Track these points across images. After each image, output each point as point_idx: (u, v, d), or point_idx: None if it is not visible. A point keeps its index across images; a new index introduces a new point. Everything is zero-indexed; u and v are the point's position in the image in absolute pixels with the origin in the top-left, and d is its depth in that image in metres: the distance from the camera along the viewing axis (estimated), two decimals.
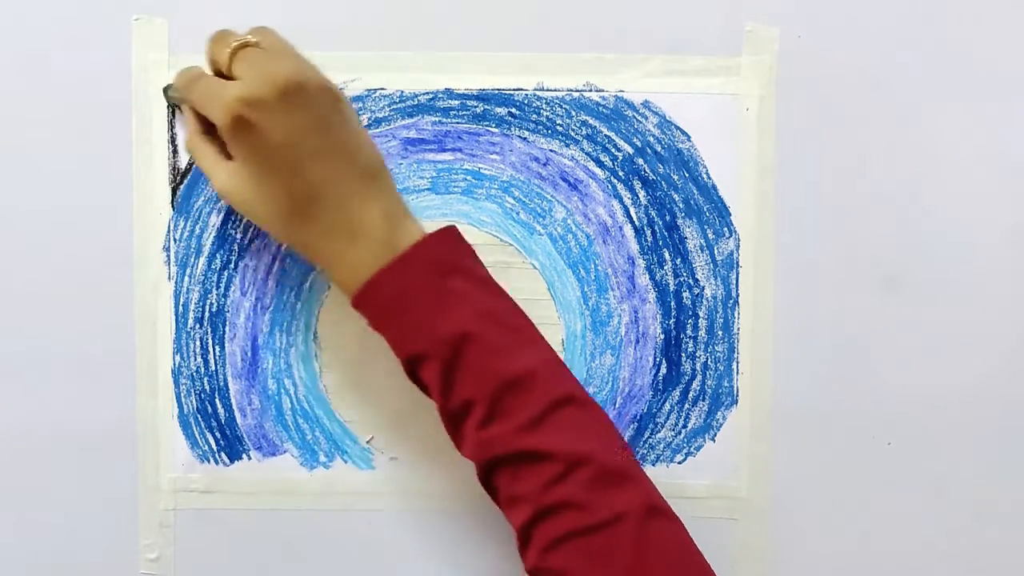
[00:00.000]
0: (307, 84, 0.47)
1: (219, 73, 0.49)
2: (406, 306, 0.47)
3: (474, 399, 0.46)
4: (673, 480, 0.55)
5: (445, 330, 0.46)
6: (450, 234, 0.48)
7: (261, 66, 0.47)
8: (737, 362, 0.54)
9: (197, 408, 0.55)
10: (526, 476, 0.46)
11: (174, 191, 0.54)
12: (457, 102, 0.54)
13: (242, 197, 0.48)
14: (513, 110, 0.54)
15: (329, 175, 0.47)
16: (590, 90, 0.54)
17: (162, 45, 0.54)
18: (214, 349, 0.55)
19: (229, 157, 0.49)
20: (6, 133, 0.54)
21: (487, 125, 0.54)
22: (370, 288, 0.47)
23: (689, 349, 0.55)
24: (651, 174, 0.54)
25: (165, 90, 0.53)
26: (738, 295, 0.54)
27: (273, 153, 0.46)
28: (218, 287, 0.54)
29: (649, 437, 0.55)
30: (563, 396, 0.47)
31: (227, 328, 0.55)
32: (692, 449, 0.55)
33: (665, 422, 0.55)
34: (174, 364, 0.55)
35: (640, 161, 0.54)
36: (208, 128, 0.50)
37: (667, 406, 0.55)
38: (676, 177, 0.54)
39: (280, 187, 0.47)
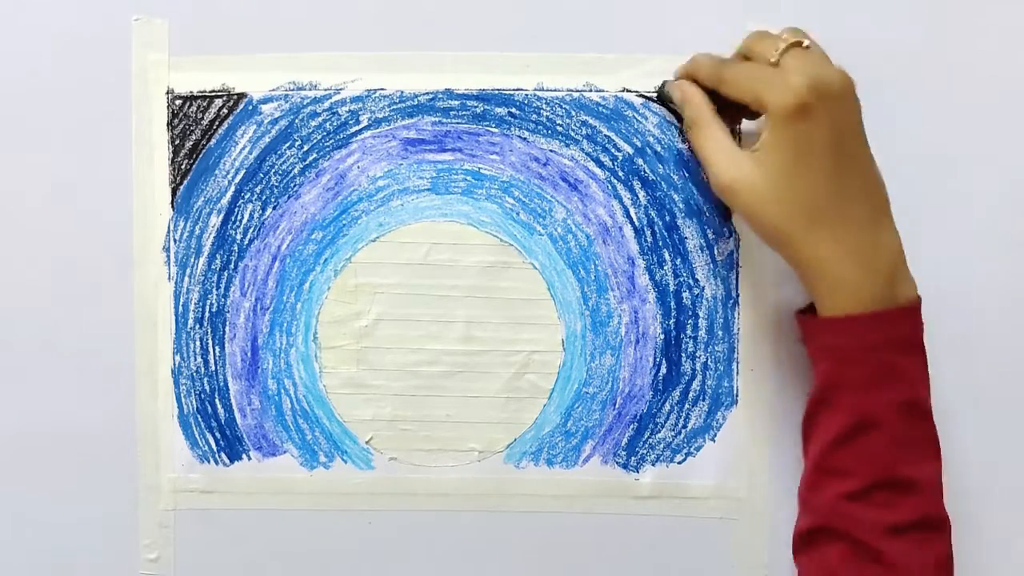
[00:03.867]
0: (854, 91, 0.46)
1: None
2: (872, 356, 0.46)
3: (855, 473, 0.46)
4: (673, 480, 0.55)
5: (883, 399, 0.46)
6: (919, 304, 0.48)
7: (822, 62, 0.46)
8: (737, 362, 0.54)
9: (197, 408, 0.55)
10: (855, 560, 0.46)
11: (174, 191, 0.54)
12: (457, 102, 0.54)
13: (758, 189, 0.46)
14: (513, 110, 0.54)
15: (857, 187, 0.46)
16: (590, 90, 0.54)
17: (162, 45, 0.54)
18: (214, 349, 0.55)
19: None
20: (6, 133, 0.54)
21: (487, 125, 0.54)
22: (857, 323, 0.46)
23: (689, 349, 0.55)
24: (651, 174, 0.54)
25: (661, 86, 0.52)
26: (738, 295, 0.54)
27: (818, 149, 0.45)
28: (218, 287, 0.55)
29: (649, 437, 0.55)
30: (939, 518, 0.47)
31: (227, 328, 0.55)
32: (692, 449, 0.55)
33: (665, 422, 0.55)
34: (174, 364, 0.55)
35: (640, 161, 0.54)
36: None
37: (667, 406, 0.55)
38: (676, 177, 0.54)
39: (809, 187, 0.46)
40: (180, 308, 0.54)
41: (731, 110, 0.50)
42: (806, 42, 0.47)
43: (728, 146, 0.48)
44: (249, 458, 0.55)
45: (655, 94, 0.53)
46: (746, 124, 0.52)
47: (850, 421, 0.46)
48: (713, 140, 0.49)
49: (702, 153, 0.49)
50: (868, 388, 0.46)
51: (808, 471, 0.49)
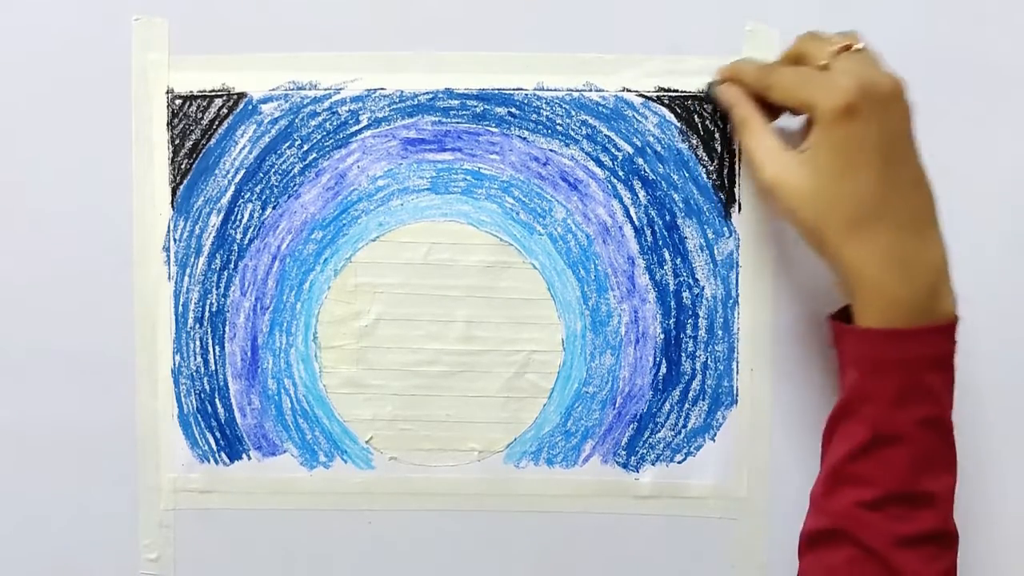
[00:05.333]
0: (908, 97, 0.46)
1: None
2: (903, 372, 0.45)
3: (874, 483, 0.46)
4: (673, 480, 0.55)
5: (908, 415, 0.45)
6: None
7: (875, 65, 0.46)
8: (737, 362, 0.54)
9: (197, 408, 0.55)
10: (862, 565, 0.46)
11: (174, 191, 0.54)
12: (457, 102, 0.54)
13: (802, 190, 0.46)
14: (513, 110, 0.54)
15: (904, 193, 0.46)
16: (590, 90, 0.54)
17: (162, 45, 0.54)
18: (214, 349, 0.55)
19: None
20: (6, 133, 0.54)
21: (487, 125, 0.54)
22: (893, 338, 0.45)
23: (689, 349, 0.55)
24: (651, 174, 0.54)
25: (710, 85, 0.52)
26: (738, 295, 0.54)
27: (867, 151, 0.45)
28: (218, 287, 0.55)
29: (649, 437, 0.55)
30: (949, 532, 0.47)
31: (227, 328, 0.55)
32: (692, 449, 0.55)
33: (665, 422, 0.55)
34: (174, 364, 0.55)
35: (640, 161, 0.54)
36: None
37: (667, 406, 0.55)
38: (676, 177, 0.54)
39: (854, 189, 0.45)
40: (180, 308, 0.54)
41: (771, 113, 0.50)
42: (858, 44, 0.47)
43: (776, 146, 0.48)
44: (249, 458, 0.55)
45: (654, 95, 0.53)
46: (785, 122, 0.51)
47: (873, 433, 0.46)
48: (762, 139, 0.49)
49: (750, 153, 0.49)
50: (896, 404, 0.46)
51: (824, 475, 0.49)
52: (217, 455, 0.55)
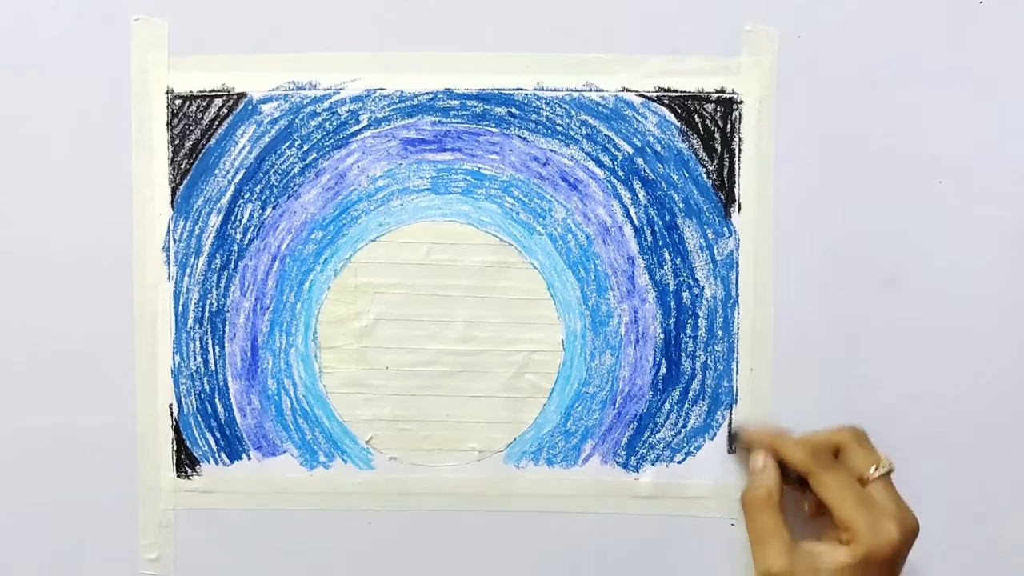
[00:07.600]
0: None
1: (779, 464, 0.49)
2: None
3: None
4: (673, 480, 0.55)
5: None
6: None
7: (901, 500, 0.48)
8: (737, 362, 0.54)
9: (197, 408, 0.55)
10: None
11: (174, 191, 0.54)
12: (457, 102, 0.54)
13: None
14: (513, 110, 0.54)
15: None
16: (590, 90, 0.54)
17: (162, 45, 0.54)
18: (214, 349, 0.55)
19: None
20: (6, 133, 0.54)
21: (487, 125, 0.54)
22: None
23: (689, 349, 0.55)
24: (651, 174, 0.54)
25: (737, 433, 0.54)
26: (738, 295, 0.54)
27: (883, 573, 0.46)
28: (218, 287, 0.55)
29: (649, 437, 0.55)
30: None
31: (227, 328, 0.55)
32: (692, 449, 0.55)
33: (665, 422, 0.55)
34: (174, 364, 0.55)
35: (640, 161, 0.54)
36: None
37: (667, 406, 0.55)
38: (676, 177, 0.54)
39: None
40: (180, 308, 0.54)
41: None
42: (888, 467, 0.49)
43: (785, 535, 0.48)
44: (249, 458, 0.55)
45: (654, 95, 0.53)
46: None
47: None
48: (771, 525, 0.48)
49: (756, 536, 0.48)
50: None
51: None
52: (217, 455, 0.55)
